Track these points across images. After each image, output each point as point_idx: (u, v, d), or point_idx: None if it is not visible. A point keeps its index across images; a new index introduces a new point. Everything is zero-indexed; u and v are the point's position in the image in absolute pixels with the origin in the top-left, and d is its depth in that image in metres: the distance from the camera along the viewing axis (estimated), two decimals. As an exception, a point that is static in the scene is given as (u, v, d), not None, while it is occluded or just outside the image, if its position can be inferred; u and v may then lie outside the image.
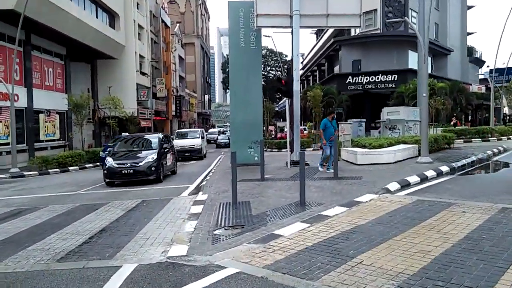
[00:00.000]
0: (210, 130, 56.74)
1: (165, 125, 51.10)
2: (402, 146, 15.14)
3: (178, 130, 25.01)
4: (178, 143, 19.33)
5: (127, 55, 38.47)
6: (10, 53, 24.37)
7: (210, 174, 14.58)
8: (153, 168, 13.40)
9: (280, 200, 8.73)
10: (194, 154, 18.84)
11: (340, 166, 12.74)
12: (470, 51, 56.60)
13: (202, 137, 21.33)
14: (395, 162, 13.87)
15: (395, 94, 34.80)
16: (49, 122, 29.53)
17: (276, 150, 25.47)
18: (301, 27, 13.66)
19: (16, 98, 24.23)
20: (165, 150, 14.72)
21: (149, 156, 13.58)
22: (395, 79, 36.85)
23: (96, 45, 31.91)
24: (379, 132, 20.21)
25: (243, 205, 8.34)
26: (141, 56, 42.88)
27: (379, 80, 37.53)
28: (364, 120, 21.98)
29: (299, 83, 13.86)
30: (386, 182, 9.91)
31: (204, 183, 12.13)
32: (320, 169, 12.47)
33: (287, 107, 15.10)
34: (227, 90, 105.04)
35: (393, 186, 9.61)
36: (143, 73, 42.84)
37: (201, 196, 9.75)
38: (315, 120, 31.79)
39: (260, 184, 10.91)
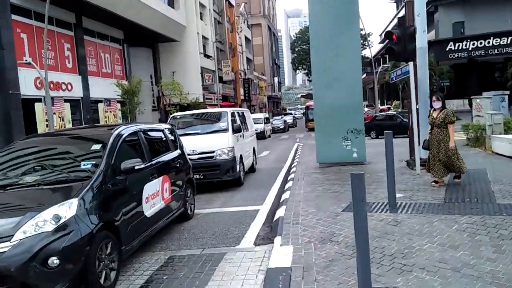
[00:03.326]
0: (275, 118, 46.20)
1: (233, 111, 47.62)
2: None
3: (175, 114, 11.31)
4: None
5: (189, 37, 35.36)
6: (60, 38, 21.92)
7: (290, 179, 9.98)
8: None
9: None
10: (212, 176, 9.32)
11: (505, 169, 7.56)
12: None
13: (245, 130, 11.49)
14: None
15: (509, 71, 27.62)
16: (110, 112, 27.04)
17: (367, 135, 20.66)
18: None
19: (69, 87, 21.87)
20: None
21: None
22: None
23: (154, 26, 28.91)
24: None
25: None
26: (204, 38, 39.51)
27: (490, 44, 30.31)
28: (508, 93, 15.99)
29: (425, 36, 8.77)
30: None
31: (283, 211, 6.42)
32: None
33: (394, 77, 10.12)
34: (297, 71, 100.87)
35: None
36: (207, 56, 39.48)
37: (280, 252, 4.67)
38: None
39: (393, 219, 5.50)
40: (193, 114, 10.80)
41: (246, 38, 61.84)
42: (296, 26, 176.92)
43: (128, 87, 20.19)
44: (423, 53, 8.75)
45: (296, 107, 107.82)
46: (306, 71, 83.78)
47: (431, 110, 7.43)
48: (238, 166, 9.66)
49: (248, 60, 62.92)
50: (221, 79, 43.05)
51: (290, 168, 12.55)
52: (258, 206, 7.50)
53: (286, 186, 8.76)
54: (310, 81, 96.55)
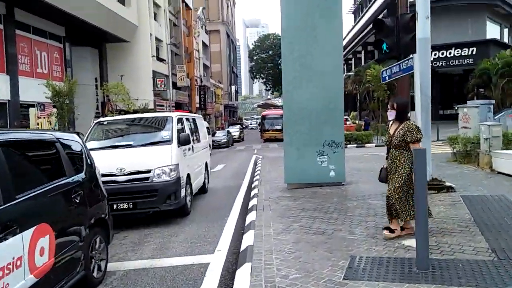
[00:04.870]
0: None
1: (188, 119, 44.73)
2: None
3: (102, 119, 8.38)
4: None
5: (140, 38, 32.59)
6: (-17, 31, 18.57)
7: (253, 207, 7.66)
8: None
9: None
10: (147, 205, 6.81)
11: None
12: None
13: (196, 141, 9.19)
14: None
15: (476, 72, 27.09)
16: (44, 117, 23.57)
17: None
18: None
19: (-8, 88, 18.48)
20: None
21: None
22: (473, 52, 29.03)
23: (101, 24, 25.89)
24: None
25: None
26: (158, 39, 36.75)
27: (452, 55, 29.84)
28: (493, 101, 14.60)
29: (428, 23, 6.81)
30: None
31: (247, 276, 3.89)
32: None
33: (388, 76, 8.18)
34: (255, 80, 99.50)
35: None
36: (160, 59, 36.72)
37: None
38: (379, 108, 24.55)
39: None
40: (126, 120, 8.07)
41: (203, 43, 59.42)
42: (255, 35, 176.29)
43: (60, 89, 17.10)
44: (425, 45, 6.77)
45: (252, 117, 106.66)
46: (264, 80, 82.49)
47: (389, 124, 5.23)
48: (183, 190, 7.21)
49: (205, 66, 60.43)
50: (175, 85, 40.31)
51: (250, 187, 10.26)
52: (208, 256, 5.07)
53: (248, 220, 6.41)
54: (267, 90, 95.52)
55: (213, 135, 31.82)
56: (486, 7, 30.59)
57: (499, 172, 8.64)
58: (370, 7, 42.07)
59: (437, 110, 29.60)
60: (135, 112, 26.72)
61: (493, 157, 8.90)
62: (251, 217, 6.49)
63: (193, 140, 8.82)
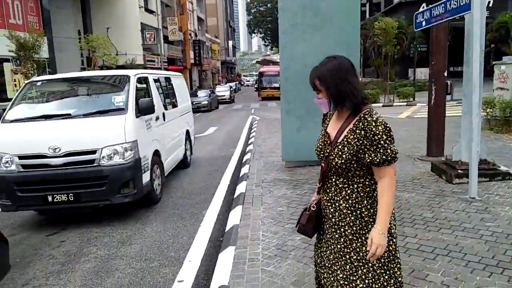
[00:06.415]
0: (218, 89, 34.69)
1: (183, 75, 42.28)
2: None
3: (35, 79, 5.97)
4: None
5: (126, -14, 29.74)
6: None
7: (239, 196, 5.86)
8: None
9: None
10: (93, 196, 4.89)
11: None
12: None
13: (169, 105, 7.37)
14: None
15: (492, 26, 24.64)
16: (21, 73, 21.38)
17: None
18: None
19: (-46, 40, 16.20)
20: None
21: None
22: (489, 4, 26.31)
23: (80, -32, 23.21)
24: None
25: None
26: (146, -12, 33.70)
27: (468, 6, 27.06)
28: None
29: None
30: None
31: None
32: None
33: (425, 21, 6.11)
34: (253, 35, 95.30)
35: None
36: (149, 10, 33.85)
37: None
38: (387, 63, 22.25)
39: None
40: (68, 80, 5.96)
41: (197, -6, 55.67)
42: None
43: (26, 40, 14.85)
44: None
45: (251, 73, 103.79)
46: (263, 35, 78.78)
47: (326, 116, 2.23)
48: (147, 174, 5.38)
49: (200, 20, 56.98)
50: (167, 39, 37.62)
51: (241, 161, 8.46)
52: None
53: (230, 222, 4.61)
54: (266, 45, 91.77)
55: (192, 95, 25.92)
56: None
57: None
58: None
59: (447, 67, 27.36)
60: (122, 67, 24.47)
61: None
62: (234, 217, 4.68)
63: (165, 106, 6.89)
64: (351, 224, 1.97)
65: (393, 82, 23.31)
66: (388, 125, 1.90)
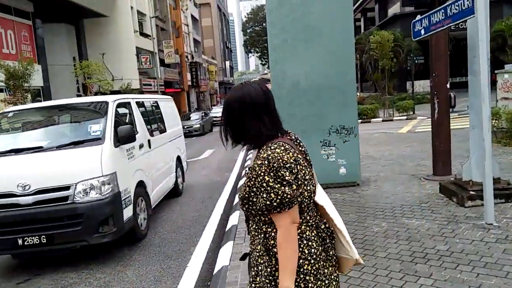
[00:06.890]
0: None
1: (181, 98, 42.08)
2: None
3: (8, 110, 5.54)
4: None
5: (120, 11, 29.99)
6: None
7: (231, 229, 5.38)
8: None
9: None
10: (68, 237, 4.42)
11: None
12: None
13: (157, 131, 6.94)
14: None
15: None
16: (11, 103, 21.15)
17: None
18: None
19: None
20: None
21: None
22: (485, 14, 26.21)
23: (73, -4, 23.20)
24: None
25: None
26: (140, 13, 33.85)
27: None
28: None
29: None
30: None
31: None
32: None
33: (424, 29, 5.72)
34: (250, 55, 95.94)
35: None
36: (144, 35, 33.90)
37: None
38: (384, 77, 21.98)
39: None
40: (41, 109, 5.51)
41: (193, 17, 56.12)
42: (249, 9, 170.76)
43: (15, 69, 14.56)
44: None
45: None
46: (259, 54, 79.23)
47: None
48: (128, 209, 4.90)
49: (196, 42, 57.28)
50: (163, 63, 37.58)
51: (236, 186, 7.98)
52: None
53: (219, 263, 4.11)
54: (263, 64, 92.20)
55: (184, 118, 24.66)
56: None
57: None
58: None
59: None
60: (114, 93, 24.24)
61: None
62: (224, 256, 4.18)
63: (151, 132, 6.46)
64: (264, 278, 1.61)
65: (391, 96, 22.99)
66: (275, 163, 1.53)
